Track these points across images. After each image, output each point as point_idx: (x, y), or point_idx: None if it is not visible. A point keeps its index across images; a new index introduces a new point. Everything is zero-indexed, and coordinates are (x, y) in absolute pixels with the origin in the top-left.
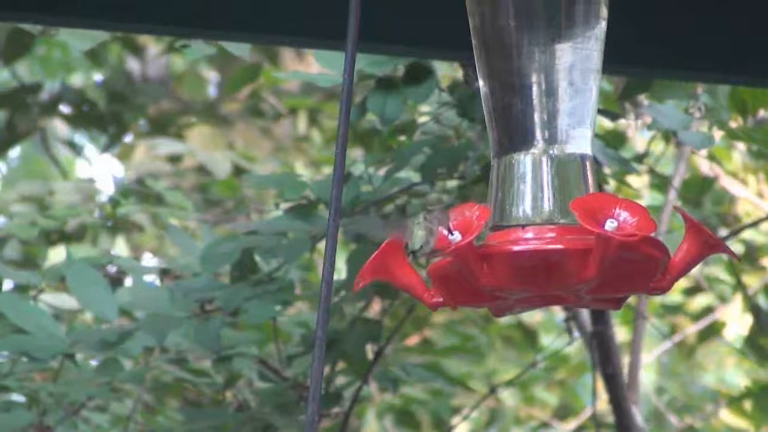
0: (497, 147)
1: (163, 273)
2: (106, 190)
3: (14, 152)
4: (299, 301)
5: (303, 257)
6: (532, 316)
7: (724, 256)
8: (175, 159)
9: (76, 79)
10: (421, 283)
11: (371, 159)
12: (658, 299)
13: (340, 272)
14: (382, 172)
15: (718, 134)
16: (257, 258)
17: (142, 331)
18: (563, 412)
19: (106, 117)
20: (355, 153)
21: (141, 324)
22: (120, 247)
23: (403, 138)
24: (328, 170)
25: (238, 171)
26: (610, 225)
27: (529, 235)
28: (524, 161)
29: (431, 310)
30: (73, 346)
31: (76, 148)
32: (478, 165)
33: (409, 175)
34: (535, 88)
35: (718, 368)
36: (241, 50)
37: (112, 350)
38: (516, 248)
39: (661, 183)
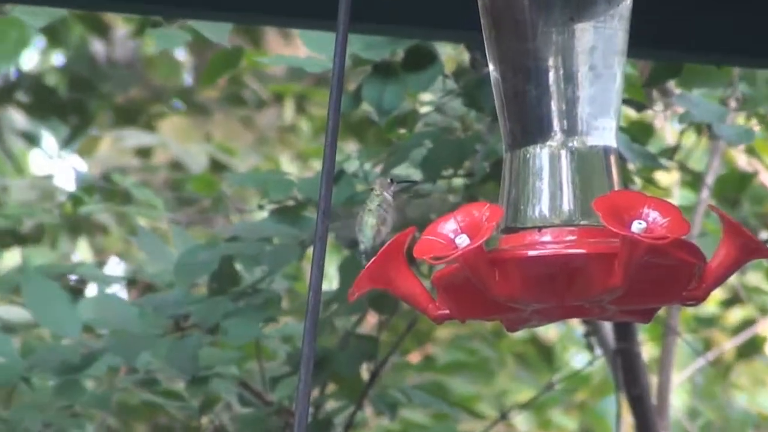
0: (510, 140)
1: (132, 282)
2: (67, 186)
3: None
4: (286, 315)
5: (290, 265)
6: (549, 331)
7: (766, 262)
8: (144, 152)
9: (34, 63)
10: (424, 293)
11: (366, 154)
12: (691, 311)
13: (332, 281)
14: (378, 168)
15: (757, 127)
16: (238, 267)
17: (110, 351)
18: None
19: (68, 105)
20: (349, 147)
21: (107, 344)
22: (82, 251)
23: (402, 130)
24: (317, 165)
25: (216, 166)
26: (637, 226)
27: (547, 238)
28: (540, 155)
29: (435, 324)
30: (30, 370)
31: (33, 141)
32: (488, 160)
33: (409, 172)
34: (552, 73)
35: (753, 388)
36: (219, 35)
37: (75, 373)
38: (531, 253)
39: (693, 180)
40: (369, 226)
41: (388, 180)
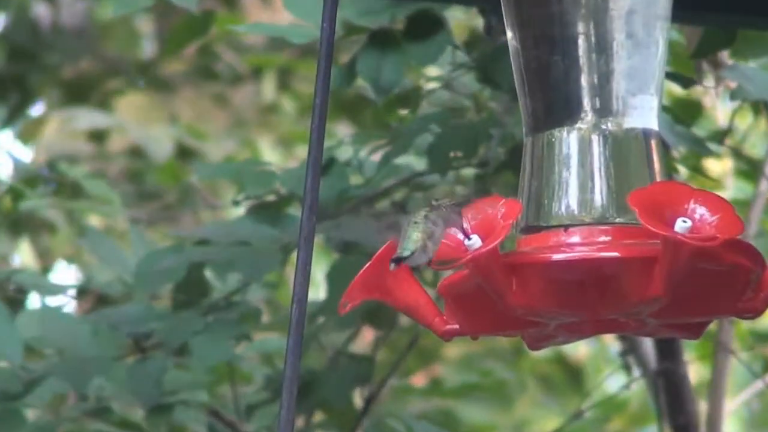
0: (531, 122)
1: (82, 293)
2: (5, 177)
3: None
4: (265, 331)
5: (271, 272)
6: (578, 349)
7: None
8: (98, 136)
9: None
10: (429, 305)
11: (362, 139)
12: (746, 325)
13: (319, 290)
14: (376, 157)
15: None
16: (209, 275)
17: (56, 376)
18: None
19: (6, 80)
20: (341, 130)
21: (52, 366)
22: (24, 254)
23: (404, 111)
24: (303, 152)
25: (183, 153)
26: (681, 225)
27: (575, 239)
28: (567, 140)
29: (443, 341)
30: None
31: None
32: (505, 147)
33: (411, 161)
34: (581, 41)
35: None
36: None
37: (14, 401)
38: (556, 257)
39: (749, 169)
40: (413, 239)
41: (453, 204)
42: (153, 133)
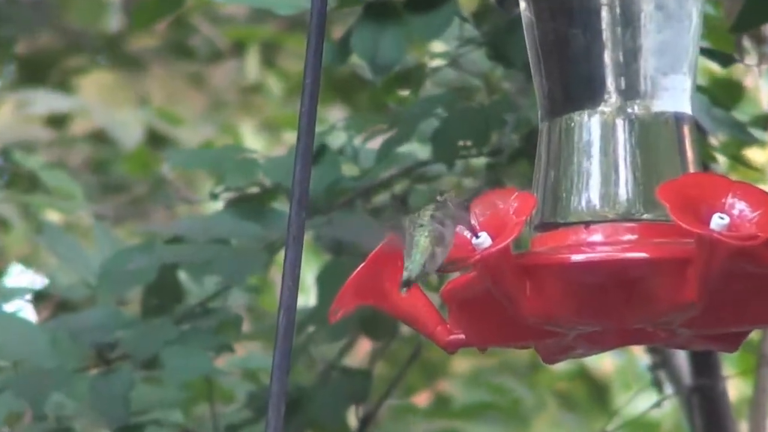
0: (548, 104)
1: (41, 297)
2: None
3: None
4: (247, 341)
5: (254, 275)
6: (602, 362)
7: None
8: (58, 121)
9: None
10: (431, 312)
11: (357, 124)
12: None
13: (309, 295)
14: (373, 144)
15: None
16: (183, 277)
17: (10, 392)
18: None
19: None
20: (333, 114)
21: (7, 380)
22: None
23: (405, 93)
24: (291, 138)
25: (155, 140)
26: (718, 222)
27: (597, 237)
28: (589, 125)
29: (447, 353)
30: None
31: None
32: (520, 133)
33: (414, 148)
34: (605, 13)
35: None
36: None
37: None
38: (576, 258)
39: None
40: (420, 248)
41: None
42: (120, 117)
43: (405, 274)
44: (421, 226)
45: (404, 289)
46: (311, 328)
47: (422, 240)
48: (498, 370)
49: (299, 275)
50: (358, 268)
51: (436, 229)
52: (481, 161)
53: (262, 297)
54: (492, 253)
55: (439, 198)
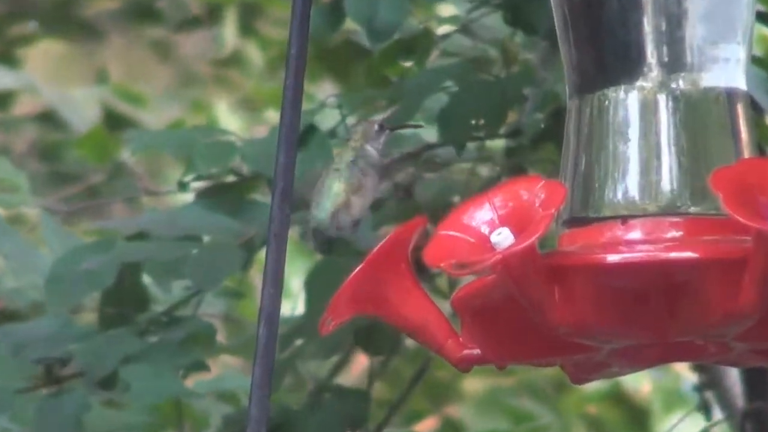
0: (578, 78)
1: None
2: None
3: None
4: (224, 355)
5: (231, 277)
6: (640, 382)
7: None
8: (0, 99)
9: None
10: (440, 322)
11: (352, 101)
12: None
13: (295, 300)
14: (374, 124)
15: None
16: (147, 281)
17: None
18: None
19: None
20: (324, 90)
21: None
22: None
23: (408, 64)
24: (274, 117)
25: (114, 121)
26: None
27: (636, 234)
28: (626, 103)
29: (459, 371)
30: None
31: None
32: (544, 111)
33: (418, 129)
34: None
35: None
36: None
37: None
38: (612, 259)
39: None
40: (332, 193)
41: (376, 125)
42: (73, 95)
43: (312, 224)
44: (337, 170)
45: (313, 242)
46: (298, 341)
47: (335, 185)
48: (517, 391)
49: (283, 279)
50: (355, 271)
51: (353, 176)
52: (498, 144)
53: (241, 304)
54: (515, 252)
55: (352, 139)
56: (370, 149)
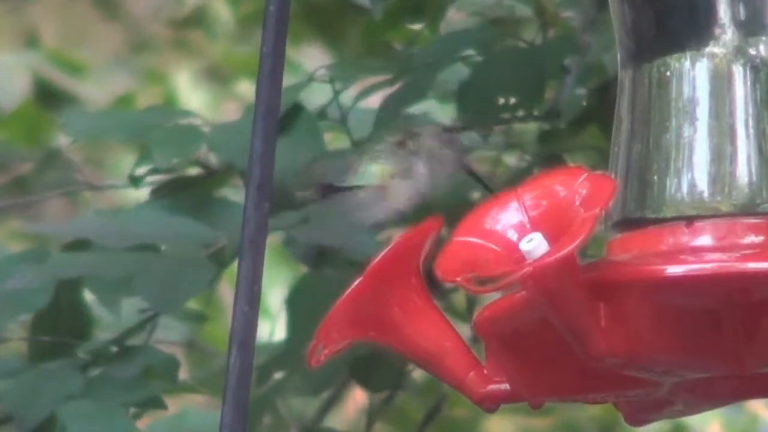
0: (632, 44)
1: None
2: None
3: None
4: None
5: (196, 296)
6: (709, 423)
7: None
8: None
9: None
10: (460, 351)
11: (347, 72)
12: None
13: (275, 322)
14: (372, 102)
15: None
16: (90, 300)
17: None
18: None
19: None
20: (312, 58)
21: None
22: None
23: (417, 26)
24: (248, 92)
25: (47, 95)
26: None
27: (705, 240)
28: (692, 74)
29: (483, 411)
30: None
31: None
32: (588, 86)
33: (432, 108)
34: None
35: None
36: None
37: None
38: (672, 271)
39: None
40: (366, 174)
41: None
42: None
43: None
44: (378, 152)
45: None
46: (278, 374)
47: (372, 167)
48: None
49: (260, 295)
50: (353, 286)
51: (400, 158)
52: (531, 128)
53: (208, 328)
54: (550, 263)
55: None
56: (429, 139)
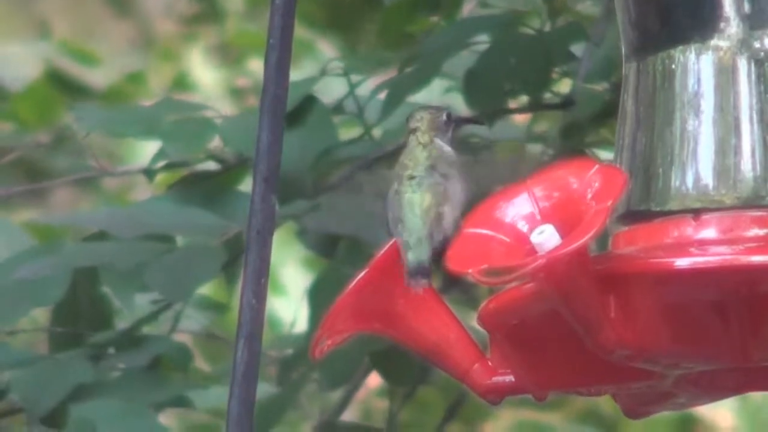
0: (637, 36)
1: None
2: None
3: None
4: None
5: (212, 284)
6: (715, 412)
7: None
8: None
9: None
10: (465, 343)
11: (361, 64)
12: None
13: (297, 316)
14: (382, 94)
15: None
16: (106, 291)
17: None
18: None
19: None
20: (325, 48)
21: None
22: None
23: (432, 17)
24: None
25: (59, 84)
26: None
27: (710, 232)
28: (697, 66)
29: (489, 404)
30: None
31: None
32: (597, 77)
33: (441, 96)
34: None
35: None
36: None
37: None
38: (680, 263)
39: None
40: (420, 210)
41: (444, 115)
42: (11, 52)
43: (409, 257)
44: (412, 179)
45: (415, 282)
46: (299, 367)
47: (417, 197)
48: (561, 426)
49: (267, 287)
50: (357, 278)
51: (437, 185)
52: (552, 119)
53: (224, 318)
54: (561, 256)
55: (418, 132)
56: (443, 145)
